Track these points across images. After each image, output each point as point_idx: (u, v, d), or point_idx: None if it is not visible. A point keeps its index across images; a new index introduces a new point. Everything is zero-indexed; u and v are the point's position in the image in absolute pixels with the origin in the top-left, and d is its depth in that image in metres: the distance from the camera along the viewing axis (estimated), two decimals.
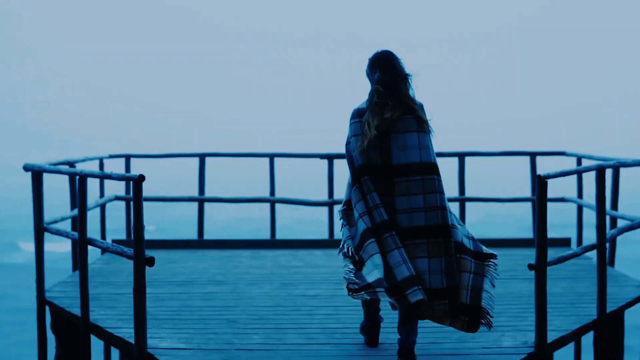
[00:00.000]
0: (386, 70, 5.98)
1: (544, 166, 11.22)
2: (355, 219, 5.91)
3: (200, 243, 11.99)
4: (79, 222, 7.31)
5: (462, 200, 11.98)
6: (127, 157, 12.25)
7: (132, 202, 6.87)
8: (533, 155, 12.03)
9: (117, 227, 15.93)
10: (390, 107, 5.89)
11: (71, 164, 10.43)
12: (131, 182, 6.38)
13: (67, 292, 8.65)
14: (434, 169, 5.89)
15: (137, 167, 13.39)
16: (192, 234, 13.81)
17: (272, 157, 12.14)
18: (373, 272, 5.71)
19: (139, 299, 6.37)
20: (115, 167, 13.09)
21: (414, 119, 5.93)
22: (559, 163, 11.44)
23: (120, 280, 9.41)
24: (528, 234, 14.07)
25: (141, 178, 6.33)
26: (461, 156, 11.94)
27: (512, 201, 12.19)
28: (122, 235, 12.39)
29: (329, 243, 11.74)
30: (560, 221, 20.44)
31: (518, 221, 31.56)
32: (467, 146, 15.61)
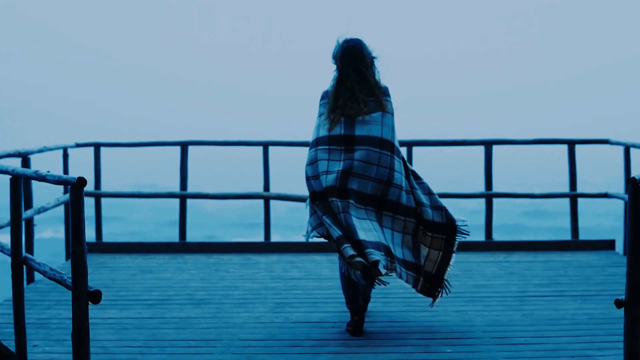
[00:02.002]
0: (352, 53, 6.34)
1: (584, 156, 9.52)
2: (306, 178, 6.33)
3: (182, 246, 10.25)
4: (11, 237, 5.57)
5: (489, 196, 10.24)
6: (97, 146, 10.50)
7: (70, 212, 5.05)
8: (572, 144, 10.29)
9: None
10: (355, 86, 6.29)
11: (24, 156, 8.68)
12: (69, 187, 4.66)
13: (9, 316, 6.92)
14: (390, 146, 6.29)
15: (109, 158, 11.66)
16: (174, 234, 12.00)
17: (266, 145, 10.38)
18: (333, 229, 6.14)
19: (79, 348, 4.64)
20: (83, 157, 11.35)
21: (374, 101, 6.34)
22: (602, 153, 9.72)
23: None
24: (563, 235, 12.32)
25: (81, 183, 4.60)
26: (488, 144, 10.20)
27: (546, 197, 10.43)
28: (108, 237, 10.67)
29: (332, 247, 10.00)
30: (587, 220, 18.68)
31: (552, 218, 29.58)
32: (494, 133, 13.72)
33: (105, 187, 11.11)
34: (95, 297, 4.62)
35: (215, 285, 8.21)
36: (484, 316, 6.87)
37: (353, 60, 6.32)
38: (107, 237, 12.44)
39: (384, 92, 6.39)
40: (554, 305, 7.25)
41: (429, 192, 6.49)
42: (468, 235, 6.54)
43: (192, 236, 11.62)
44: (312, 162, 6.30)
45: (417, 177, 6.55)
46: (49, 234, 24.50)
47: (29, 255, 5.62)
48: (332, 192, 6.13)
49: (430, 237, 6.39)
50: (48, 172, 5.13)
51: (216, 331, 6.46)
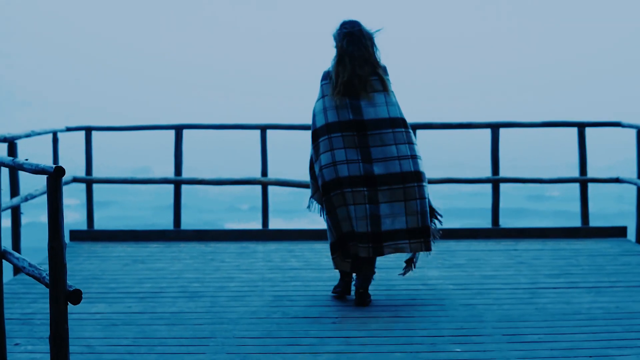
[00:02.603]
0: (351, 32, 6.37)
1: (595, 139, 9.13)
2: (317, 169, 6.43)
3: (177, 234, 9.87)
4: None
5: (496, 181, 9.84)
6: (88, 130, 10.10)
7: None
8: (582, 126, 9.88)
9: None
10: (356, 62, 6.35)
11: (10, 141, 8.29)
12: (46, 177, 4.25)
13: None
14: (402, 123, 6.45)
15: (101, 142, 11.26)
16: (169, 221, 11.59)
17: (263, 128, 9.99)
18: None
19: (58, 351, 4.26)
20: (74, 141, 10.95)
21: (378, 80, 6.43)
22: (613, 136, 9.33)
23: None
24: (571, 220, 11.93)
25: (59, 172, 4.21)
26: (494, 127, 9.80)
27: (555, 182, 10.03)
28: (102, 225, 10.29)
29: None
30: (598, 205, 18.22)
31: (556, 203, 29.00)
32: (501, 115, 13.27)
33: (98, 172, 10.71)
34: (75, 297, 4.23)
35: (210, 277, 7.83)
36: (493, 310, 6.48)
37: (352, 39, 6.38)
38: (101, 223, 12.06)
39: (384, 70, 6.50)
40: (567, 297, 6.88)
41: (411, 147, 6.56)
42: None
43: (187, 220, 11.20)
44: (328, 150, 6.35)
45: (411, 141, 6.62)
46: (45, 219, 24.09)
47: (8, 249, 5.23)
48: (351, 182, 6.30)
49: (402, 190, 6.42)
50: (26, 160, 4.73)
51: (210, 327, 6.08)
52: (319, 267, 8.24)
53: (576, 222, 10.38)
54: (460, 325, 6.07)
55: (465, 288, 7.26)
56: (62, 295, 4.23)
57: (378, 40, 6.50)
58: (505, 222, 10.77)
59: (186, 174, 10.20)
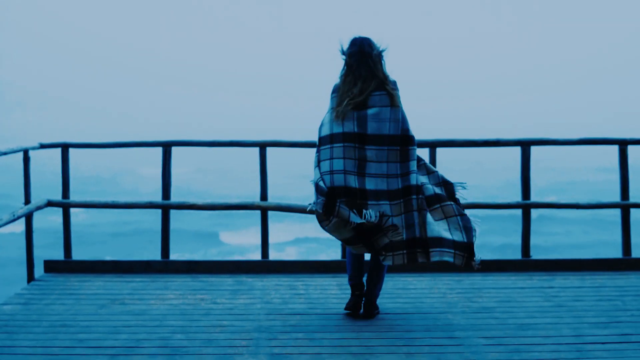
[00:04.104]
0: (360, 47, 6.52)
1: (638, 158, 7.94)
2: (316, 176, 6.47)
3: (165, 266, 8.72)
4: None
5: (527, 207, 8.66)
6: (64, 147, 8.95)
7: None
8: (624, 144, 8.71)
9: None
10: (362, 79, 6.47)
11: None
12: None
13: None
14: (400, 141, 6.48)
15: (80, 160, 10.10)
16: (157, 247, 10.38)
17: (263, 146, 8.82)
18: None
19: None
20: (50, 159, 9.80)
21: (387, 95, 6.48)
22: None
23: (33, 339, 6.12)
24: (613, 251, 10.73)
25: None
26: (525, 145, 8.62)
27: (594, 208, 8.83)
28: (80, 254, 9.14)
29: (344, 266, 8.48)
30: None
31: (599, 231, 27.20)
32: (534, 131, 12.07)
33: (80, 193, 9.56)
34: None
35: (198, 325, 6.67)
36: None
37: (361, 53, 6.52)
38: (85, 246, 10.91)
39: (393, 85, 6.54)
40: (618, 355, 5.73)
41: (434, 175, 6.70)
42: (465, 188, 6.71)
43: (179, 227, 10.02)
44: (327, 159, 6.43)
45: (430, 170, 6.72)
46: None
47: None
48: (346, 192, 6.34)
49: (439, 208, 6.53)
50: None
51: None
52: (325, 310, 7.08)
53: (614, 252, 9.19)
54: None
55: (499, 342, 6.10)
56: None
57: (387, 55, 6.58)
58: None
59: (176, 196, 9.06)
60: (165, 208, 8.79)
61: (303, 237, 30.47)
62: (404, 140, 6.50)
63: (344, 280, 8.21)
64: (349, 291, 7.46)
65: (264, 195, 8.76)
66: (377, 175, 6.44)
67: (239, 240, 29.98)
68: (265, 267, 8.67)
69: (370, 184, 6.41)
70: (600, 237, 27.25)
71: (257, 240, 9.66)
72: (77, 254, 9.54)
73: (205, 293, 7.76)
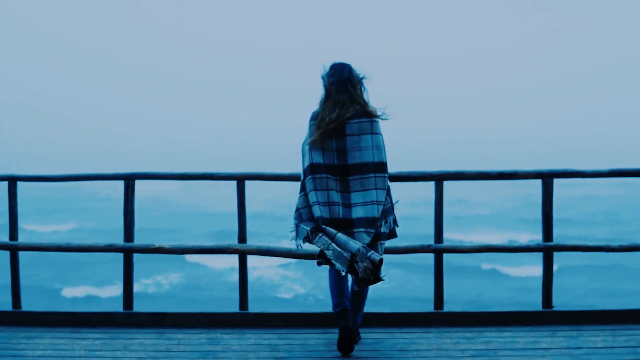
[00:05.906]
0: (340, 73, 6.45)
1: None
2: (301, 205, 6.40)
3: (127, 318, 7.50)
4: None
5: (549, 249, 7.43)
6: (12, 180, 7.75)
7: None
8: None
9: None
10: (340, 105, 6.41)
11: None
12: None
13: None
14: (383, 168, 6.43)
15: (31, 193, 8.89)
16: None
17: (241, 179, 7.58)
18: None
19: None
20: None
21: (367, 121, 6.44)
22: None
23: None
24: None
25: None
26: (547, 177, 7.39)
27: (626, 250, 7.58)
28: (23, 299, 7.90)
29: (332, 319, 7.26)
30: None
31: (627, 273, 25.14)
32: (554, 162, 10.79)
33: (33, 232, 8.34)
34: None
35: None
36: None
37: (341, 79, 6.44)
38: (37, 294, 9.67)
39: (373, 112, 6.45)
40: None
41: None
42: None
43: (154, 238, 8.78)
44: (312, 190, 6.30)
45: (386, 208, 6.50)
46: None
47: None
48: (331, 223, 6.24)
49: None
50: None
51: None
52: None
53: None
54: None
55: None
56: None
57: (367, 82, 6.50)
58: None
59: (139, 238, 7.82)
60: (128, 251, 7.56)
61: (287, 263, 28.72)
62: (385, 167, 6.43)
63: (331, 336, 7.00)
64: (338, 353, 6.29)
65: (242, 237, 7.52)
66: (366, 203, 6.35)
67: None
68: (243, 320, 7.45)
69: (358, 213, 6.32)
70: (630, 284, 25.35)
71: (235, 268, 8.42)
72: (29, 301, 8.28)
73: (170, 355, 6.54)
